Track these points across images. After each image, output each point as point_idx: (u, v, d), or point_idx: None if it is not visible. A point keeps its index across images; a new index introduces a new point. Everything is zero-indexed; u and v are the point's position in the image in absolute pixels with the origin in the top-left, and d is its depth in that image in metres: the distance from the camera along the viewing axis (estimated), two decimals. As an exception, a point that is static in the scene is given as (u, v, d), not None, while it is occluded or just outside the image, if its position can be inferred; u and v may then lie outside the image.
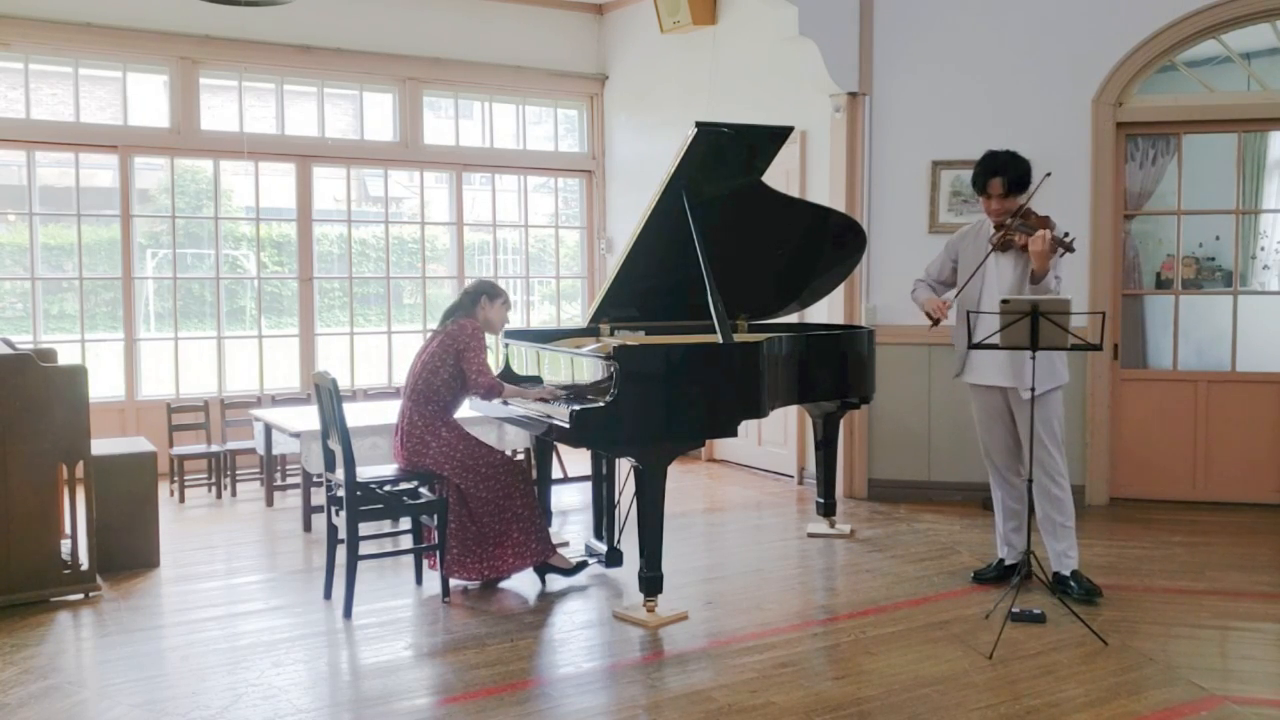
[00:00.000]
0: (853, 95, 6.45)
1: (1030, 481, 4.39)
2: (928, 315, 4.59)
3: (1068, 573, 4.46)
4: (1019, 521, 4.66)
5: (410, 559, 4.91)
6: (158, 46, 7.25)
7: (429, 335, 4.76)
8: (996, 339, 4.04)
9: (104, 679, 3.68)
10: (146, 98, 7.52)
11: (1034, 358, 4.10)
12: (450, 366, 4.56)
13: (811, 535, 5.62)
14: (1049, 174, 4.38)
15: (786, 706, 3.39)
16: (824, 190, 6.61)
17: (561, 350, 4.76)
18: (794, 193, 6.60)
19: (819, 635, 4.09)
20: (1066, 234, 4.30)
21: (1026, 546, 4.30)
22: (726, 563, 5.17)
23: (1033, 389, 4.17)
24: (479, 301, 4.69)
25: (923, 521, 5.92)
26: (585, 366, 4.45)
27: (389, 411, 5.81)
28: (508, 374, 5.15)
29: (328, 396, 4.39)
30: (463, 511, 4.57)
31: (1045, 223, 4.33)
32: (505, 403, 4.80)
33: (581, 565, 4.81)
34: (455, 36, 8.22)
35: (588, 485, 6.03)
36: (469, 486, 4.53)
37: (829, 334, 5.18)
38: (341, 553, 4.41)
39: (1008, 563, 4.71)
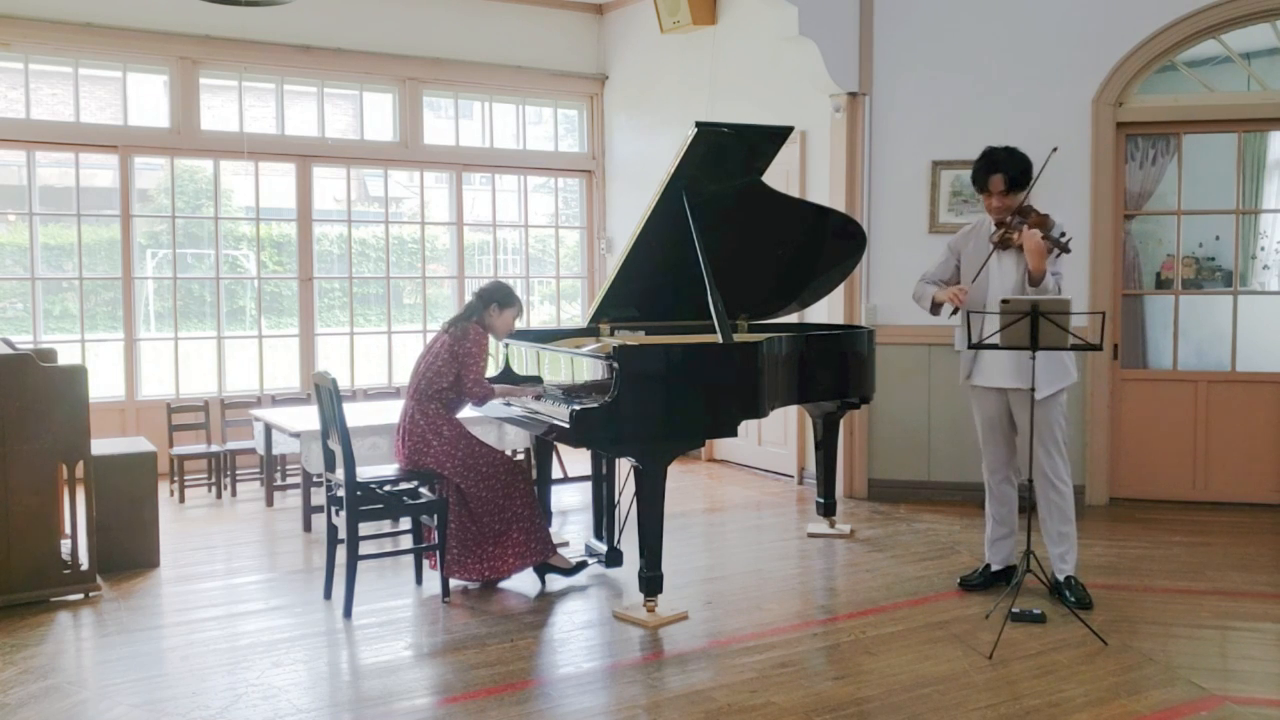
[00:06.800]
0: (853, 95, 6.45)
1: (1031, 481, 4.37)
2: (934, 309, 4.58)
3: (1062, 578, 4.43)
4: (1008, 529, 4.64)
5: (410, 559, 4.91)
6: (158, 46, 7.25)
7: (435, 335, 4.76)
8: (997, 339, 4.04)
9: (104, 679, 3.68)
10: (146, 98, 7.52)
11: (1034, 358, 4.09)
12: (454, 371, 4.57)
13: (811, 535, 5.62)
14: (1055, 149, 4.39)
15: (786, 706, 3.39)
16: (824, 190, 6.61)
17: (561, 350, 4.76)
18: (794, 193, 6.60)
19: (819, 635, 4.09)
20: (1063, 234, 4.27)
21: (1027, 547, 4.29)
22: (726, 563, 5.17)
23: (1032, 390, 4.16)
24: (489, 308, 4.70)
25: (923, 521, 5.92)
26: (585, 366, 4.45)
27: (389, 411, 5.82)
28: (507, 374, 5.15)
29: (328, 396, 4.39)
30: (463, 512, 4.57)
31: (1044, 222, 4.28)
32: (507, 403, 4.81)
33: (581, 565, 4.82)
34: (455, 36, 8.22)
35: (588, 485, 6.03)
36: (469, 486, 4.54)
37: (829, 334, 5.17)
38: (341, 553, 4.41)
39: (994, 569, 4.67)
